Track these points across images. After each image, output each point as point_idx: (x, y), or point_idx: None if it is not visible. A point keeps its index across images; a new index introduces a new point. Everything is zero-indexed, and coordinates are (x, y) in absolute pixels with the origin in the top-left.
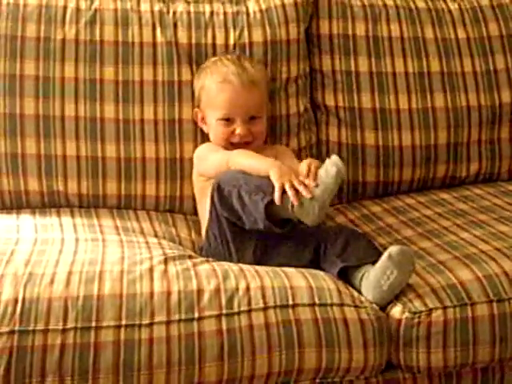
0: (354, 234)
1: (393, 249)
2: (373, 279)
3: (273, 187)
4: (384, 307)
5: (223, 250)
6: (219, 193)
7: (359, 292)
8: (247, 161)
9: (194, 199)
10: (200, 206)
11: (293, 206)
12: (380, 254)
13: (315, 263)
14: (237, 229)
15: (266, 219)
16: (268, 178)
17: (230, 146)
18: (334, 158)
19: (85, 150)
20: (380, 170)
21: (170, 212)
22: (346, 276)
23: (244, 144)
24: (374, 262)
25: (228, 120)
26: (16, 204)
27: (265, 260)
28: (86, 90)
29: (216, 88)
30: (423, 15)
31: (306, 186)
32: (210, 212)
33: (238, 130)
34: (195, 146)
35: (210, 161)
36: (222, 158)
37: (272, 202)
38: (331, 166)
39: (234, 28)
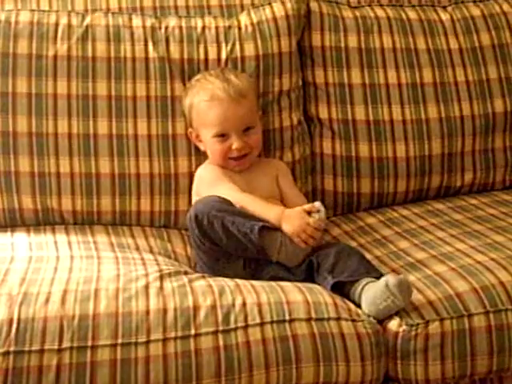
0: (345, 249)
1: (390, 279)
2: (371, 295)
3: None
4: (381, 320)
5: (212, 272)
6: (197, 223)
7: (357, 305)
8: (250, 207)
9: None
10: None
11: (281, 245)
12: (372, 268)
13: (310, 278)
14: (221, 253)
15: (260, 245)
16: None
17: (228, 161)
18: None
19: (78, 166)
20: (375, 181)
21: (165, 227)
22: (341, 289)
23: (242, 156)
24: (370, 275)
25: (223, 136)
26: (10, 222)
27: (259, 274)
28: (78, 106)
29: (205, 106)
30: (415, 26)
31: (314, 239)
32: (192, 238)
33: (235, 145)
34: (189, 161)
35: (207, 192)
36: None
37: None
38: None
39: (226, 42)
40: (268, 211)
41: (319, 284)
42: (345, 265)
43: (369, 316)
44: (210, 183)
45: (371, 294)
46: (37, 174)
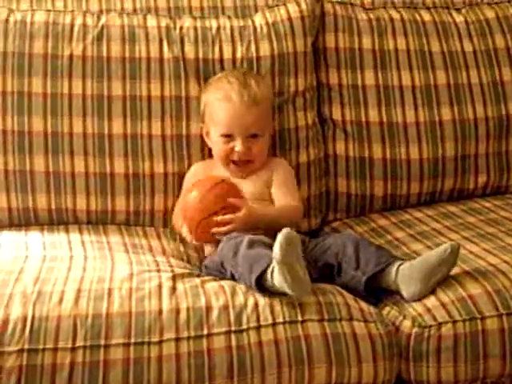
0: (358, 242)
1: (455, 245)
2: (420, 272)
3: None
4: (394, 321)
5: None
6: (222, 266)
7: (384, 292)
8: None
9: None
10: None
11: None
12: (388, 252)
13: (324, 278)
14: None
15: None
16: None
17: (230, 163)
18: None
19: (93, 166)
20: (388, 183)
21: None
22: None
23: (245, 162)
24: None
25: (229, 136)
26: (24, 221)
27: None
28: (93, 106)
29: (217, 104)
30: (429, 28)
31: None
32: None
33: (238, 148)
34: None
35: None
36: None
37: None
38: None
39: (241, 42)
40: None
41: (343, 284)
42: (367, 257)
43: (409, 300)
44: (187, 182)
45: (421, 271)
46: (52, 173)
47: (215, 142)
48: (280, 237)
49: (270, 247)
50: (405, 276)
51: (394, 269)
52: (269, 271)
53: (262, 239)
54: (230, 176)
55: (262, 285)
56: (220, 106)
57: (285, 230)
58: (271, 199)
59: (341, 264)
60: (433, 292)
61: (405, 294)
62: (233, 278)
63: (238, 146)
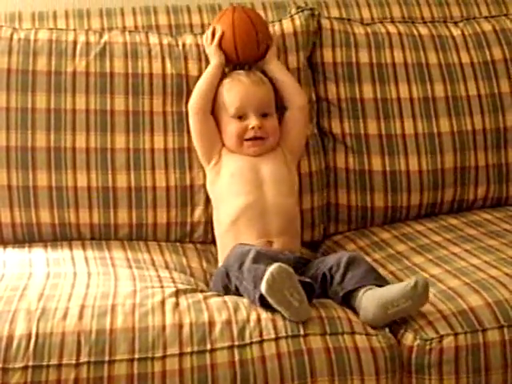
0: (354, 259)
1: (420, 281)
2: (379, 300)
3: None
4: (395, 334)
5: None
6: (228, 278)
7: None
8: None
9: (205, 226)
10: (215, 223)
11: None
12: (379, 278)
13: (324, 293)
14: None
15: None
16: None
17: (244, 142)
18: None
19: (96, 180)
20: (388, 195)
21: (180, 242)
22: (348, 301)
23: (259, 139)
24: (378, 282)
25: (241, 118)
26: (28, 237)
27: None
28: (96, 121)
29: (227, 88)
30: (426, 41)
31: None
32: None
33: (252, 123)
34: (205, 174)
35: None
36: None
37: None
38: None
39: None
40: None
41: (332, 298)
42: (353, 275)
43: (364, 323)
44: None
45: (380, 298)
46: (54, 188)
47: (227, 125)
48: (268, 271)
49: (277, 261)
50: (364, 302)
51: (361, 291)
52: None
53: (268, 253)
54: (248, 155)
55: (265, 300)
56: (231, 89)
57: (274, 265)
58: (291, 180)
59: (333, 277)
60: (407, 325)
61: (361, 318)
62: (236, 289)
63: (252, 122)
